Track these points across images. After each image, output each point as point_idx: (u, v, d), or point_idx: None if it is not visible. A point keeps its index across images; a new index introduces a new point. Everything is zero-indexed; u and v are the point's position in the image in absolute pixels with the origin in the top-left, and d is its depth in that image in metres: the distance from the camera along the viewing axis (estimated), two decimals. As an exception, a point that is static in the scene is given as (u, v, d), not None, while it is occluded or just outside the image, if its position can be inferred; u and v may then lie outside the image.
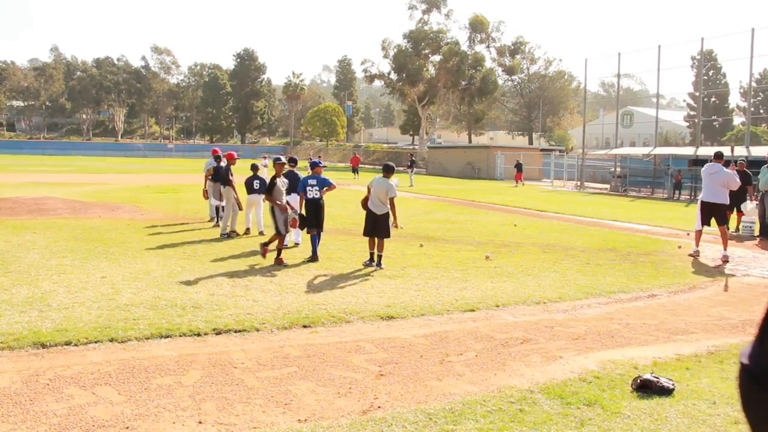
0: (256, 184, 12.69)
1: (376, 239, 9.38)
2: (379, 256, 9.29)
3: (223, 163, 12.83)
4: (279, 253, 9.51)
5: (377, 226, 9.37)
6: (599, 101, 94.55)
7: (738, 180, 11.08)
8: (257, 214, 12.91)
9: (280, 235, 9.53)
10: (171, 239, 11.55)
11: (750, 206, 13.55)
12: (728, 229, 11.41)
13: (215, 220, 13.85)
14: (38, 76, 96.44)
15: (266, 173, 19.94)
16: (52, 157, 67.15)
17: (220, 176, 12.95)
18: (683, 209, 20.96)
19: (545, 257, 10.58)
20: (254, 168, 13.12)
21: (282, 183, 9.93)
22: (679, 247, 11.94)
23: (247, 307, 6.67)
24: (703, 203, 10.88)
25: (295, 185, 11.01)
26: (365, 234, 9.54)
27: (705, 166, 11.11)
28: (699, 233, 11.22)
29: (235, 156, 13.03)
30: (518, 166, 36.60)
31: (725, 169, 10.91)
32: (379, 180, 9.45)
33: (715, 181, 10.75)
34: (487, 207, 20.88)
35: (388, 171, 9.53)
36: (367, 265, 9.41)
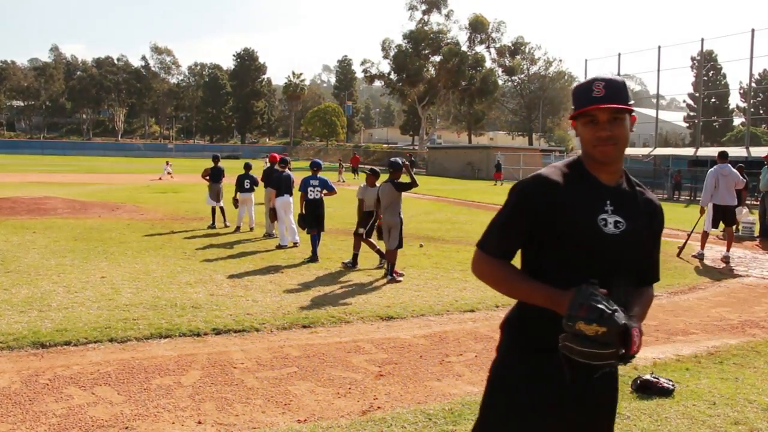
0: (246, 183, 13.10)
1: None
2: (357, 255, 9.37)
3: (264, 166, 12.99)
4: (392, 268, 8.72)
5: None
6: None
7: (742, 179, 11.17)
8: (249, 211, 13.18)
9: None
10: (171, 239, 11.55)
11: (744, 212, 13.52)
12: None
13: (213, 222, 13.73)
14: (38, 76, 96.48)
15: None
16: (52, 156, 67.22)
17: (218, 177, 13.59)
18: (683, 210, 20.94)
19: (545, 258, 10.56)
20: (247, 167, 13.49)
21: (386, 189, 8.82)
22: (679, 247, 11.92)
23: (246, 307, 6.67)
24: (716, 206, 10.84)
25: (289, 187, 11.06)
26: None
27: (715, 167, 10.94)
28: (707, 235, 11.22)
29: (279, 157, 12.28)
30: (497, 166, 39.30)
31: (733, 169, 10.94)
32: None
33: (730, 182, 10.75)
34: (487, 207, 20.86)
35: (375, 175, 9.55)
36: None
